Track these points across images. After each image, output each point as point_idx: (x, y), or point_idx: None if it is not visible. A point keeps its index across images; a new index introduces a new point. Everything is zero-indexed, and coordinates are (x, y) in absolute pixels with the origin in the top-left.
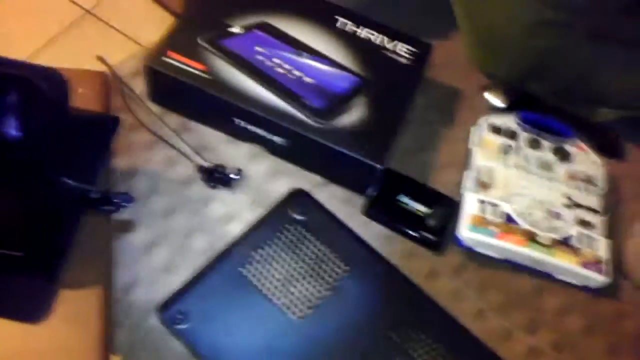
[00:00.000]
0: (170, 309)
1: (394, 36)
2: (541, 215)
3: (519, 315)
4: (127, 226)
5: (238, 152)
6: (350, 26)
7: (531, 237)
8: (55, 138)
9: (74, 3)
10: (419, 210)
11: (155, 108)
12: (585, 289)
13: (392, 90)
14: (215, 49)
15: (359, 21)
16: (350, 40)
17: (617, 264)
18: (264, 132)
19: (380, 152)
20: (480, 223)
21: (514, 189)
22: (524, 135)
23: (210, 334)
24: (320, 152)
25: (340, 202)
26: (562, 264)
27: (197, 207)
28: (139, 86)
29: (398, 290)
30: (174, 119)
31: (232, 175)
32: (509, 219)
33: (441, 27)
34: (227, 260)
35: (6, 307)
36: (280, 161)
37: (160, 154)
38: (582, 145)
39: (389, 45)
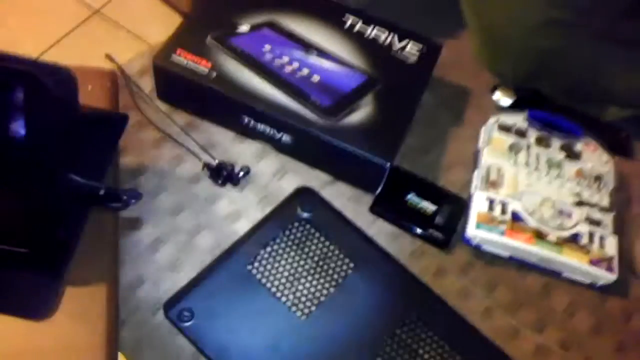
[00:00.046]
0: (177, 306)
1: (402, 35)
2: (550, 213)
3: (526, 314)
4: (134, 223)
5: (246, 150)
6: (358, 25)
7: (539, 235)
8: (63, 135)
9: (83, 3)
10: (427, 209)
11: (163, 106)
12: (593, 287)
13: (400, 89)
14: (224, 47)
15: (368, 20)
16: (358, 39)
17: (626, 262)
18: (272, 130)
19: (388, 150)
20: (489, 221)
21: (523, 187)
22: (533, 134)
23: (216, 331)
24: (327, 150)
25: (347, 200)
26: (571, 262)
27: (204, 204)
28: (147, 84)
29: (405, 288)
30: (182, 117)
31: (239, 173)
32: (518, 217)
33: (449, 26)
34: (234, 258)
35: (12, 304)
36: (287, 159)
37: (168, 151)
38: (592, 143)
39: (398, 44)
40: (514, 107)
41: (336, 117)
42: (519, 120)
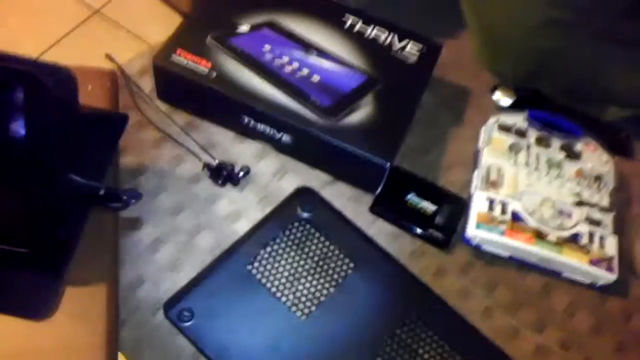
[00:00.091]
0: (176, 306)
1: (402, 35)
2: (550, 213)
3: (526, 314)
4: (134, 223)
5: (246, 150)
6: (358, 25)
7: (539, 235)
8: (63, 135)
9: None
10: (427, 209)
11: (163, 106)
12: (593, 287)
13: (400, 89)
14: (224, 48)
15: (368, 20)
16: (358, 39)
17: (626, 262)
18: (272, 130)
19: (388, 150)
20: (489, 221)
21: (523, 187)
22: (533, 134)
23: (216, 331)
24: (327, 150)
25: (347, 200)
26: (571, 262)
27: (204, 204)
28: (147, 84)
29: (405, 288)
30: (182, 117)
31: (239, 173)
32: (518, 217)
33: (449, 26)
34: (234, 258)
35: (12, 304)
36: (287, 159)
37: (168, 151)
38: (592, 143)
39: (398, 44)
40: (514, 107)
41: (336, 117)
42: (519, 120)
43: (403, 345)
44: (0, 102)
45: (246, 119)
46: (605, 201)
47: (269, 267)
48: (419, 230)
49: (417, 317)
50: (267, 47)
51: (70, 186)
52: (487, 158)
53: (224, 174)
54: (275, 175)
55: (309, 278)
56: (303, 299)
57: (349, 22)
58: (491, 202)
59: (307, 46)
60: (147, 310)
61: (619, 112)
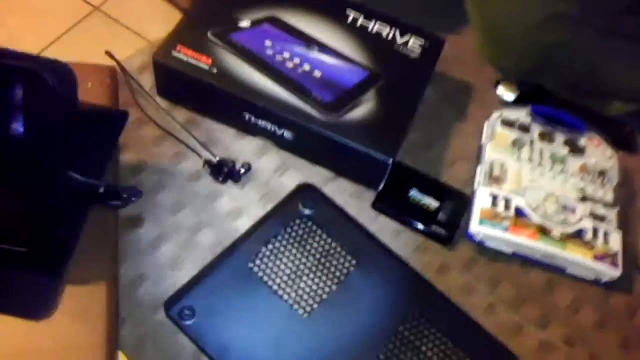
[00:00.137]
0: (177, 304)
1: (405, 30)
2: (554, 208)
3: (530, 310)
4: (134, 221)
5: (247, 146)
6: (361, 20)
7: (543, 231)
8: (63, 132)
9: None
10: (429, 205)
11: (163, 103)
12: (597, 282)
13: (403, 85)
14: (224, 43)
15: (370, 15)
16: (360, 34)
17: (631, 258)
18: (273, 126)
19: (391, 146)
20: (492, 217)
21: (527, 182)
22: (536, 129)
23: (217, 329)
24: (329, 146)
25: (349, 196)
26: (575, 257)
27: (205, 202)
28: (147, 81)
29: (408, 285)
30: (182, 114)
31: (240, 170)
32: (521, 212)
33: (452, 21)
34: (235, 255)
35: (11, 304)
36: (289, 155)
37: (168, 148)
38: (596, 138)
39: (400, 39)
40: (517, 102)
41: (338, 113)
42: (522, 115)
43: (406, 342)
44: None
45: (247, 115)
46: (609, 196)
47: (270, 264)
48: (421, 227)
49: (420, 314)
50: (268, 42)
51: (70, 184)
52: (490, 153)
53: (225, 171)
54: (276, 172)
55: (311, 275)
56: (305, 296)
57: (350, 17)
58: (494, 198)
59: (309, 41)
60: (147, 308)
61: (622, 106)
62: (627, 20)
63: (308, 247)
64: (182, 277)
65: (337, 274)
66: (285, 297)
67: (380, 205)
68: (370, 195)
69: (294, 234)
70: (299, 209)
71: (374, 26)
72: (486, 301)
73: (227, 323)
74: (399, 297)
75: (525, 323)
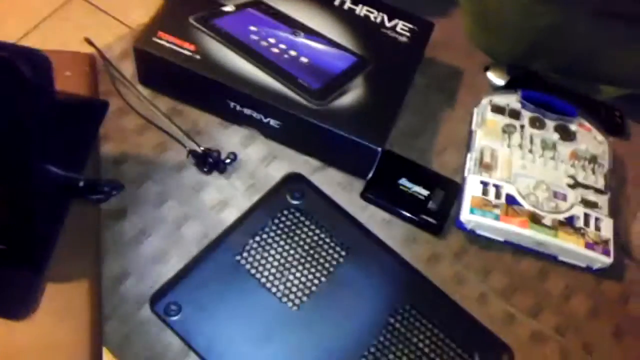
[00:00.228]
0: (163, 300)
1: (393, 14)
2: (545, 196)
3: (522, 299)
4: (117, 214)
5: (232, 136)
6: (348, 4)
7: (534, 219)
8: (39, 123)
9: None
10: (419, 194)
11: (145, 91)
12: (589, 270)
13: (392, 70)
14: (207, 29)
15: None
16: (348, 19)
17: (622, 245)
18: (259, 114)
19: (380, 134)
20: (483, 205)
21: (517, 169)
22: (527, 115)
23: (204, 325)
24: (317, 135)
25: (338, 186)
26: (566, 245)
27: (190, 193)
28: (128, 69)
29: (398, 276)
30: (165, 103)
31: (226, 161)
32: (512, 200)
33: (440, 4)
34: (222, 248)
35: None
36: (276, 145)
37: (151, 139)
38: (586, 124)
39: (389, 23)
40: (507, 87)
41: (325, 100)
42: (512, 100)
43: (397, 334)
44: None
45: (232, 104)
46: (600, 183)
47: (258, 257)
48: (411, 216)
49: (411, 305)
50: (252, 27)
51: (48, 178)
52: (481, 140)
53: (210, 162)
54: (263, 162)
55: (300, 268)
56: (294, 289)
57: (338, 1)
58: (485, 186)
59: (295, 26)
60: (132, 304)
61: (614, 91)
62: (621, 1)
63: (296, 238)
64: (168, 271)
65: (327, 265)
66: (274, 290)
67: (370, 194)
68: (359, 185)
69: (281, 225)
70: (287, 200)
71: (361, 10)
72: (478, 291)
73: (214, 318)
74: (390, 288)
75: (517, 312)
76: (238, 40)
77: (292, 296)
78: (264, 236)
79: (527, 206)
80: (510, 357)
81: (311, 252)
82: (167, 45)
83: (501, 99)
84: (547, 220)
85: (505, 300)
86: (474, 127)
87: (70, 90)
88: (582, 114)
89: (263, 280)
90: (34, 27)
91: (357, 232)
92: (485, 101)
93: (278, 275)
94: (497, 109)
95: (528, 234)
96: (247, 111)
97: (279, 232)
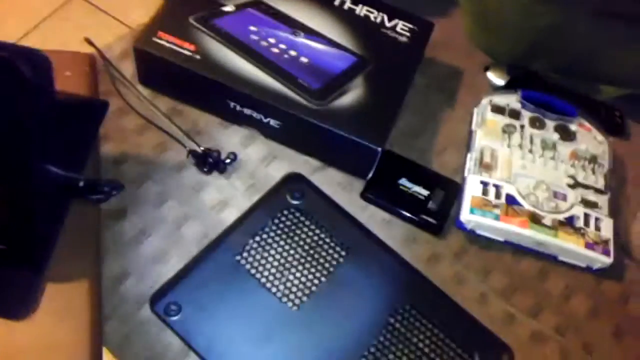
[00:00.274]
0: (163, 300)
1: (393, 14)
2: (545, 196)
3: (522, 299)
4: (117, 214)
5: (232, 136)
6: (348, 3)
7: (535, 219)
8: (40, 124)
9: None
10: (419, 194)
11: (145, 91)
12: (589, 270)
13: (392, 70)
14: (207, 29)
15: None
16: (348, 19)
17: (622, 245)
18: (259, 114)
19: (380, 133)
20: (483, 205)
21: (517, 169)
22: (527, 115)
23: (204, 325)
24: (317, 135)
25: (338, 186)
26: (567, 245)
27: (190, 193)
28: (128, 69)
29: (398, 276)
30: (165, 103)
31: (226, 161)
32: (512, 200)
33: (440, 4)
34: (222, 249)
35: None
36: (276, 145)
37: (151, 139)
38: (586, 124)
39: (389, 23)
40: (507, 87)
41: (325, 100)
42: (512, 100)
43: (397, 334)
44: None
45: (232, 104)
46: (600, 183)
47: (258, 257)
48: (411, 216)
49: (411, 305)
50: (252, 27)
51: (48, 178)
52: (481, 140)
53: (210, 162)
54: (263, 162)
55: (300, 268)
56: (294, 289)
57: (338, 1)
58: (485, 186)
59: (295, 26)
60: (132, 304)
61: (614, 90)
62: (621, 1)
63: (296, 238)
64: (168, 271)
65: (327, 265)
66: (274, 290)
67: (370, 194)
68: (359, 185)
69: (281, 225)
70: (287, 200)
71: (361, 10)
72: (478, 291)
73: (214, 318)
74: (390, 289)
75: (517, 312)
76: (238, 40)
77: (292, 296)
78: (264, 236)
79: (527, 206)
80: (510, 357)
81: (311, 252)
82: (167, 45)
83: (501, 99)
84: (547, 220)
85: (505, 300)
86: (474, 127)
87: (70, 90)
88: (582, 114)
89: (263, 280)
90: (34, 27)
91: (357, 232)
92: (485, 101)
93: (278, 275)
94: (497, 109)
95: (528, 234)
96: (247, 111)
97: (279, 232)
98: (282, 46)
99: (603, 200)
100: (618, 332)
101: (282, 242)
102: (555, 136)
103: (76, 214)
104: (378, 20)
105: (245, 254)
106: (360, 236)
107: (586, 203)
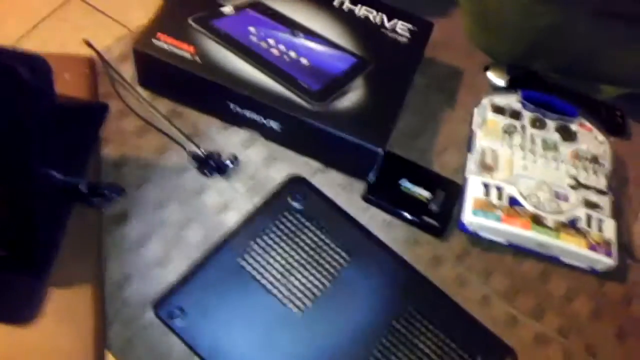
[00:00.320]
0: (166, 304)
1: (393, 14)
2: (547, 197)
3: (525, 301)
4: (118, 218)
5: (233, 138)
6: (347, 4)
7: (537, 220)
8: (40, 128)
9: None
10: (421, 195)
11: (145, 93)
12: (592, 271)
13: (392, 71)
14: (207, 30)
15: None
16: (347, 19)
17: (625, 246)
18: (259, 116)
19: (381, 135)
20: (485, 207)
21: (519, 170)
22: (527, 115)
23: (208, 329)
24: (318, 137)
25: (339, 188)
26: (569, 247)
27: (191, 196)
28: (128, 71)
29: (401, 279)
30: (165, 105)
31: (227, 163)
32: (514, 201)
33: (440, 4)
34: (224, 252)
35: None
36: (276, 147)
37: (151, 141)
38: (587, 124)
39: (388, 24)
40: (507, 88)
41: (326, 102)
42: (512, 101)
43: (400, 337)
44: None
45: (232, 106)
46: (602, 183)
47: (261, 260)
48: (413, 218)
49: (414, 308)
50: (252, 29)
51: (49, 182)
52: (482, 141)
53: (211, 164)
54: (263, 164)
55: (303, 271)
56: (297, 293)
57: (337, 1)
58: (487, 187)
59: (294, 27)
60: (135, 308)
61: (614, 90)
62: (620, 1)
63: (299, 241)
64: (170, 275)
65: (330, 269)
66: (278, 294)
67: (371, 196)
68: (360, 187)
69: (283, 228)
70: (289, 202)
71: (360, 10)
72: (480, 293)
73: (218, 322)
74: (393, 292)
75: (519, 314)
76: (237, 42)
77: (295, 300)
78: (266, 239)
79: (529, 207)
80: (514, 359)
81: (314, 255)
82: (167, 47)
83: (501, 99)
84: (549, 222)
85: (508, 302)
86: (474, 127)
87: (70, 93)
88: (583, 114)
89: (266, 283)
90: (32, 27)
91: (359, 235)
92: (485, 101)
93: (281, 278)
94: (498, 109)
95: (530, 235)
96: (247, 113)
97: (281, 235)
98: (282, 47)
99: (605, 201)
100: (621, 333)
101: (284, 245)
102: (556, 136)
103: (78, 218)
104: (377, 20)
105: (247, 257)
106: (362, 238)
107: (588, 204)
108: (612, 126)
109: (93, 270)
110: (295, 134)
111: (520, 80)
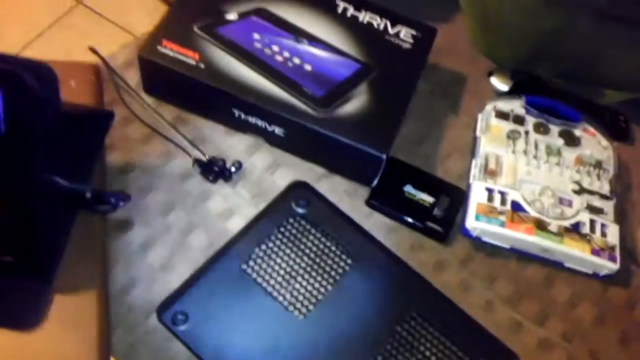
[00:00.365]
0: (170, 309)
1: (396, 20)
2: (550, 202)
3: (528, 306)
4: (123, 224)
5: (237, 144)
6: (351, 10)
7: (540, 225)
8: (46, 135)
9: None
10: (424, 200)
11: (150, 100)
12: (595, 276)
13: (395, 77)
14: (211, 37)
15: (360, 5)
16: (351, 25)
17: (629, 251)
18: (263, 122)
19: (384, 140)
20: (488, 212)
21: (522, 175)
22: (531, 120)
23: (211, 334)
24: (321, 143)
25: (343, 193)
26: (572, 252)
27: (196, 202)
28: (133, 77)
29: (404, 284)
30: (170, 111)
31: (231, 169)
32: (517, 207)
33: (443, 10)
34: (228, 257)
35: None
36: (280, 153)
37: (156, 147)
38: (590, 129)
39: (392, 30)
40: (510, 93)
41: (329, 108)
42: (516, 106)
43: (404, 342)
44: None
45: (236, 112)
46: (605, 188)
47: (264, 265)
48: (417, 223)
49: (417, 313)
50: (256, 35)
51: (55, 189)
52: (485, 146)
53: (215, 170)
54: (268, 170)
55: (306, 276)
56: (300, 298)
57: (340, 7)
58: (490, 192)
59: (298, 34)
60: (139, 313)
61: (617, 95)
62: (626, 3)
63: (302, 246)
64: (174, 280)
65: (333, 273)
66: (280, 298)
67: (375, 202)
68: (364, 192)
69: (287, 233)
70: (292, 208)
71: (364, 17)
72: (484, 298)
73: (221, 327)
74: (396, 296)
75: (523, 320)
76: (242, 49)
77: (298, 305)
78: (270, 245)
79: (532, 213)
80: None
81: (317, 260)
82: (171, 54)
83: (505, 105)
84: (553, 227)
85: (512, 308)
86: (478, 133)
87: (76, 101)
88: (587, 119)
89: (269, 289)
90: (37, 35)
91: (363, 240)
92: (489, 107)
93: (284, 283)
94: (501, 115)
95: (534, 240)
96: (251, 119)
97: (284, 240)
98: (286, 54)
99: (608, 206)
100: (624, 338)
101: (288, 251)
102: (560, 141)
103: (83, 223)
104: (381, 26)
105: (251, 263)
106: (366, 244)
107: (592, 209)
108: (615, 131)
109: (97, 276)
110: (299, 139)
111: (523, 86)
